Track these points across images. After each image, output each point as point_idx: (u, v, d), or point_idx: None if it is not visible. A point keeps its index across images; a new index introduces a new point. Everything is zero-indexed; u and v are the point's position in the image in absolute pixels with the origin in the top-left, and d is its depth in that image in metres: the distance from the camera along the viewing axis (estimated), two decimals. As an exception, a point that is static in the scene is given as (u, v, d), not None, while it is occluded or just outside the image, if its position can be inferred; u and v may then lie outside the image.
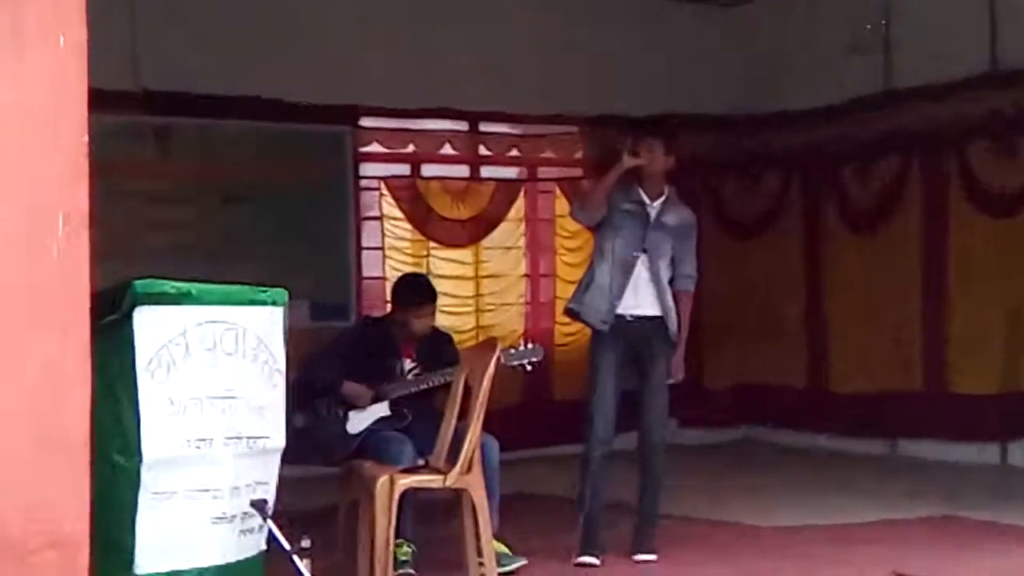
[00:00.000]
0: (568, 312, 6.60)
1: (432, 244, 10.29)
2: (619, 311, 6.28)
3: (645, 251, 6.29)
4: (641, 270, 6.29)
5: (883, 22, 10.13)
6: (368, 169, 10.12)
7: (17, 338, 3.84)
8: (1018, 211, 9.39)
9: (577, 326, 7.14)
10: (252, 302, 4.58)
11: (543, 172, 10.85)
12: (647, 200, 6.34)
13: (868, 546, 6.67)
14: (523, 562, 5.98)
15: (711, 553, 6.52)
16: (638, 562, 6.27)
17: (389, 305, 7.14)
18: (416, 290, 6.56)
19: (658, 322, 6.32)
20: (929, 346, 9.98)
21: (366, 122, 10.02)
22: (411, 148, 10.28)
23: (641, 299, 6.30)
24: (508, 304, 10.63)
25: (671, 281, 6.37)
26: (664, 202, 6.37)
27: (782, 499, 8.13)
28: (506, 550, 5.93)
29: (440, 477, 5.57)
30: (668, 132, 6.79)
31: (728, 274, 10.89)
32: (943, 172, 9.88)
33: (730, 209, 11.35)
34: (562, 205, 10.35)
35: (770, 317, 11.09)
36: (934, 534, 7.05)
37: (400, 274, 8.67)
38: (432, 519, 6.11)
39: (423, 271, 9.51)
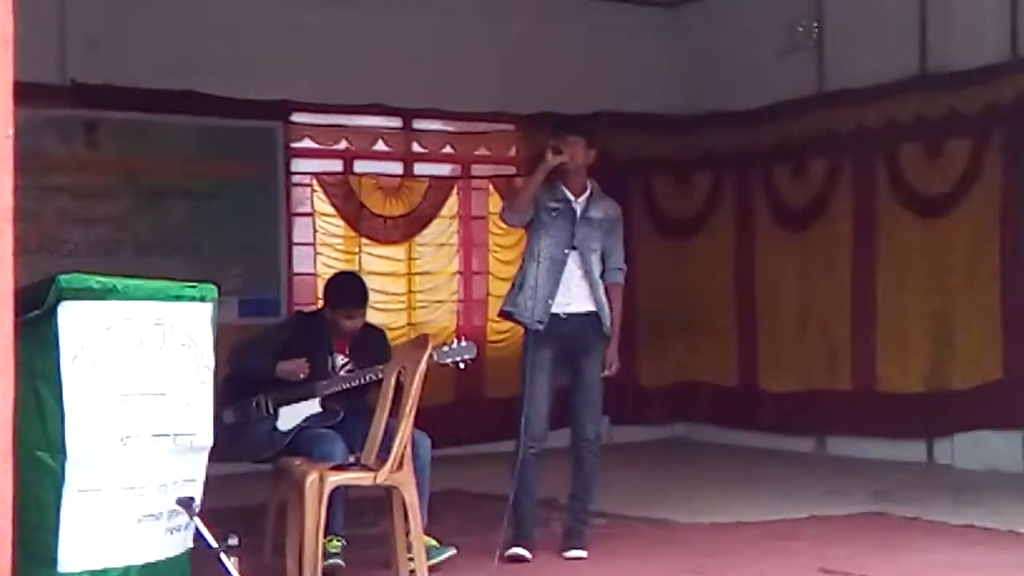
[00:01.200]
0: (503, 314, 6.60)
1: (364, 240, 10.29)
2: (553, 309, 6.29)
3: (575, 247, 6.31)
4: (572, 267, 6.32)
5: (815, 25, 10.24)
6: (300, 165, 10.11)
7: (-62, 334, 3.77)
8: (945, 212, 9.50)
9: (509, 323, 7.13)
10: (180, 298, 4.56)
11: (477, 169, 10.87)
12: (571, 197, 6.36)
13: (797, 542, 6.72)
14: (452, 552, 5.98)
15: (641, 550, 6.54)
16: (568, 559, 6.27)
17: (321, 301, 7.11)
18: (348, 292, 6.52)
19: (592, 317, 6.34)
20: (857, 344, 10.07)
21: (297, 118, 10.00)
22: (343, 144, 10.27)
23: (574, 296, 6.32)
24: (440, 301, 10.64)
25: (602, 275, 6.41)
26: (589, 197, 6.40)
27: (714, 496, 8.17)
28: (435, 543, 5.94)
29: (371, 474, 5.56)
30: (588, 128, 6.81)
31: (663, 272, 10.98)
32: (873, 173, 9.99)
33: (664, 208, 11.39)
34: (495, 202, 10.36)
35: (703, 316, 11.16)
36: (862, 530, 7.10)
37: (332, 271, 8.65)
38: (362, 516, 6.09)
39: (355, 269, 9.49)
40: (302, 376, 6.17)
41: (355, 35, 9.80)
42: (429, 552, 5.77)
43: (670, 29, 11.27)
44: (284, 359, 6.28)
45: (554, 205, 6.33)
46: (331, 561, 5.72)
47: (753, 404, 10.82)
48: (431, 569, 5.66)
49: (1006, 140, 9.08)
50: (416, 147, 10.59)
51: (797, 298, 10.54)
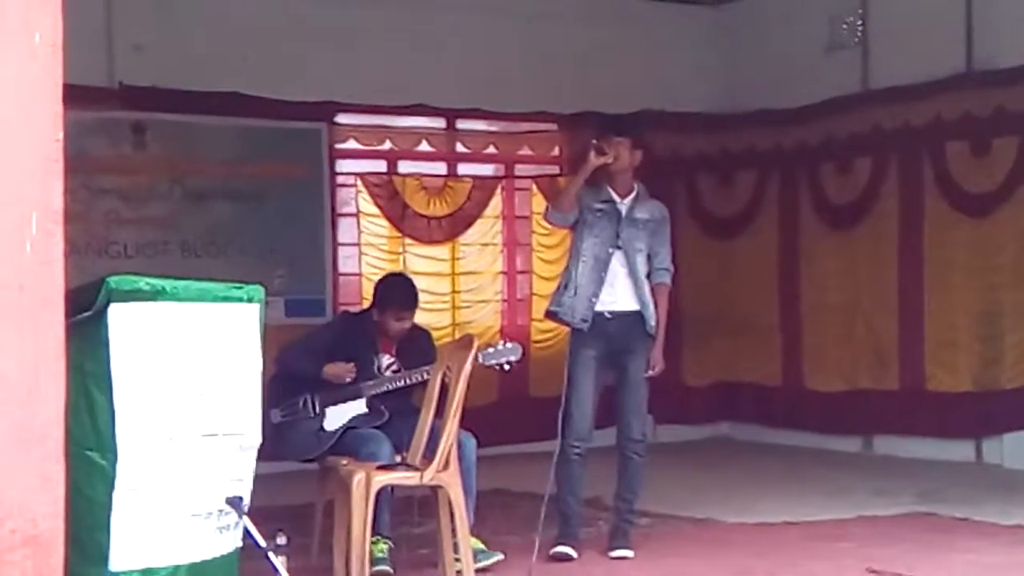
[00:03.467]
0: (548, 315, 6.60)
1: (408, 240, 10.31)
2: (597, 308, 6.29)
3: (620, 247, 6.31)
4: (617, 267, 6.32)
5: (859, 23, 10.19)
6: (344, 166, 10.15)
7: (-8, 335, 3.81)
8: (991, 211, 9.44)
9: (554, 323, 7.14)
10: (227, 299, 4.57)
11: (520, 169, 10.87)
12: (617, 198, 6.37)
13: (843, 542, 6.70)
14: (499, 557, 5.98)
15: (687, 550, 6.54)
16: (614, 558, 6.28)
17: (369, 301, 7.13)
18: (399, 294, 6.51)
19: (636, 317, 6.34)
20: (905, 344, 10.02)
21: (342, 119, 10.03)
22: (388, 145, 10.30)
23: (618, 295, 6.32)
24: (484, 301, 10.67)
25: (648, 275, 6.40)
26: (635, 198, 6.40)
27: (759, 496, 8.15)
28: (482, 546, 5.93)
29: (417, 474, 5.57)
30: (634, 129, 6.79)
31: (707, 271, 10.95)
32: (919, 172, 9.92)
33: (709, 207, 11.39)
34: (539, 202, 10.37)
35: (749, 315, 11.13)
36: (909, 531, 7.07)
37: (376, 272, 8.66)
38: (409, 516, 6.11)
39: (400, 269, 9.49)
40: (348, 379, 6.19)
41: (398, 36, 9.82)
42: (476, 555, 5.77)
43: (712, 27, 11.25)
44: (330, 359, 6.30)
45: (599, 206, 6.34)
46: (378, 568, 5.73)
47: (799, 404, 10.77)
48: (478, 572, 5.66)
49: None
50: (460, 147, 10.61)
51: (843, 296, 10.49)
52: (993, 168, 9.45)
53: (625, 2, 10.74)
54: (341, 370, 6.18)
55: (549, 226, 8.30)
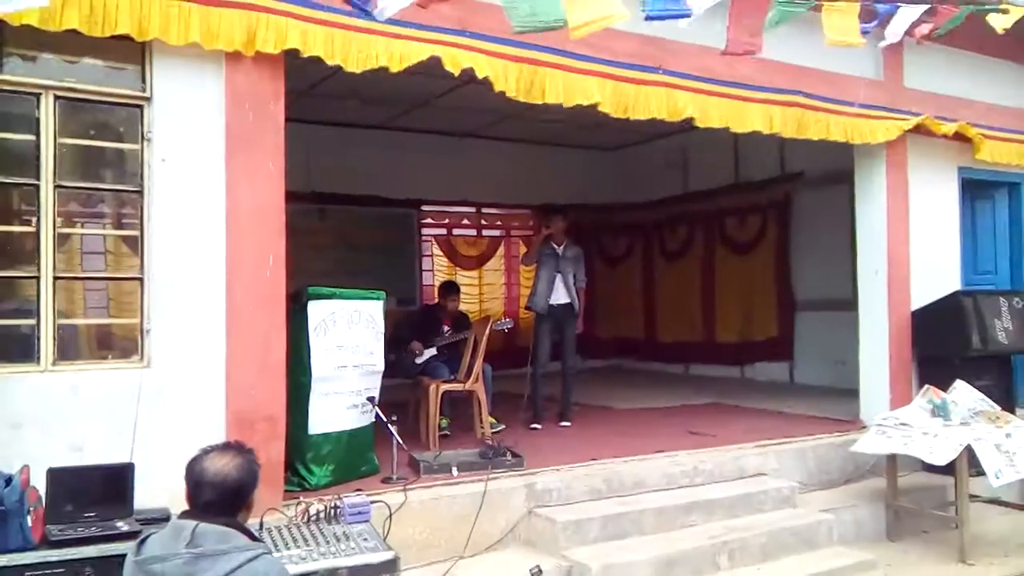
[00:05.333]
0: (527, 307, 6.63)
1: (457, 268, 10.25)
2: (550, 302, 6.33)
3: (559, 272, 6.34)
4: (559, 281, 6.34)
5: (682, 157, 10.24)
6: (425, 231, 10.06)
7: (251, 318, 3.92)
8: (748, 252, 9.48)
9: (527, 312, 7.16)
10: (367, 298, 4.67)
11: (513, 233, 10.76)
12: (556, 247, 6.39)
13: (675, 417, 6.73)
14: (503, 427, 6.00)
15: (597, 421, 6.57)
16: (561, 426, 6.30)
17: (436, 298, 7.20)
18: (450, 287, 6.60)
19: (569, 306, 6.36)
20: (705, 318, 9.99)
21: (424, 208, 9.98)
22: (447, 220, 10.23)
23: (559, 295, 6.34)
24: (495, 298, 10.58)
25: (575, 283, 6.40)
26: (565, 247, 6.40)
27: (633, 395, 8.14)
28: (494, 421, 5.97)
29: (462, 385, 5.66)
30: (564, 211, 6.81)
31: (603, 283, 10.89)
32: (713, 232, 9.93)
33: (607, 249, 11.27)
34: (522, 249, 10.34)
35: (628, 303, 11.00)
36: (709, 411, 7.10)
37: (441, 280, 8.65)
38: (457, 407, 6.17)
39: (453, 279, 9.53)
40: (419, 349, 6.17)
41: (452, 162, 9.73)
42: (492, 426, 5.83)
43: (610, 160, 11.14)
44: (419, 328, 6.33)
45: (547, 251, 6.37)
46: (442, 432, 5.74)
47: (653, 348, 10.66)
48: (494, 434, 5.69)
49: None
50: (483, 221, 10.54)
51: (676, 293, 10.35)
52: (749, 230, 9.49)
53: (569, 150, 10.62)
54: (416, 346, 6.19)
55: (523, 267, 8.29)
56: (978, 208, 7.07)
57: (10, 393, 3.39)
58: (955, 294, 6.17)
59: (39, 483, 3.06)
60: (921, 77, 6.41)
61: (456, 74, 4.29)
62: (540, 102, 4.54)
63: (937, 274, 6.42)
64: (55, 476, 3.06)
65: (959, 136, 6.36)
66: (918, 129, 6.18)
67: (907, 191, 6.33)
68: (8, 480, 2.90)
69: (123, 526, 3.01)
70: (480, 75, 4.32)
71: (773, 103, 5.43)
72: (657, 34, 4.87)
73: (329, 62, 3.97)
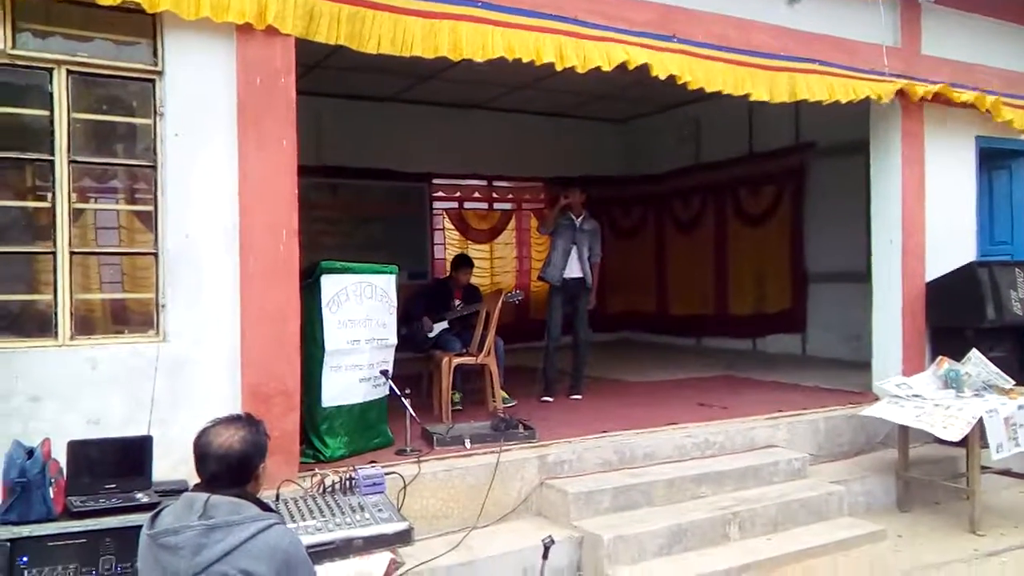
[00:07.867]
0: (540, 278, 6.58)
1: (469, 241, 10.24)
2: (564, 275, 6.30)
3: (575, 244, 6.29)
4: (574, 254, 6.29)
5: (695, 129, 10.14)
6: (436, 205, 10.04)
7: (265, 292, 3.93)
8: (761, 224, 9.39)
9: (541, 283, 7.16)
10: (379, 272, 4.65)
11: (524, 206, 10.72)
12: (574, 218, 6.34)
13: (687, 389, 6.75)
14: (514, 402, 6.01)
15: (609, 394, 6.57)
16: (572, 398, 6.31)
17: (448, 271, 7.20)
18: (463, 260, 6.57)
19: (582, 280, 6.32)
20: (718, 291, 9.95)
21: (436, 181, 9.95)
22: (458, 193, 10.20)
23: (573, 269, 6.30)
24: (507, 271, 10.59)
25: (589, 257, 6.37)
26: (583, 219, 6.36)
27: (644, 368, 8.17)
28: (506, 395, 5.97)
29: (474, 358, 5.66)
30: (581, 183, 6.78)
31: (614, 257, 10.83)
32: (724, 203, 9.86)
33: (620, 223, 11.22)
34: (534, 223, 10.33)
35: (640, 277, 10.97)
36: (720, 383, 7.09)
37: (453, 254, 8.64)
38: (469, 380, 6.19)
39: (466, 252, 9.54)
40: (429, 326, 6.15)
41: (462, 134, 9.70)
42: (504, 400, 5.83)
43: (619, 133, 11.11)
44: (430, 302, 6.31)
45: (564, 222, 6.31)
46: (455, 407, 5.76)
47: (665, 321, 10.64)
48: (505, 408, 5.71)
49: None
50: (494, 195, 10.50)
51: (689, 269, 10.30)
52: (762, 202, 9.41)
53: (578, 122, 10.58)
54: (426, 322, 6.17)
55: (540, 235, 8.30)
56: (995, 177, 6.95)
57: (29, 367, 3.43)
58: (970, 264, 6.10)
59: (60, 456, 3.10)
60: (939, 44, 6.28)
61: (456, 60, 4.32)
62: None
63: (952, 244, 6.34)
64: (75, 448, 3.10)
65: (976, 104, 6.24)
66: (936, 98, 6.07)
67: (923, 159, 6.24)
68: (30, 452, 2.94)
69: (142, 497, 3.05)
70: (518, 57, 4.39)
71: (795, 71, 5.39)
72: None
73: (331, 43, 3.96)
